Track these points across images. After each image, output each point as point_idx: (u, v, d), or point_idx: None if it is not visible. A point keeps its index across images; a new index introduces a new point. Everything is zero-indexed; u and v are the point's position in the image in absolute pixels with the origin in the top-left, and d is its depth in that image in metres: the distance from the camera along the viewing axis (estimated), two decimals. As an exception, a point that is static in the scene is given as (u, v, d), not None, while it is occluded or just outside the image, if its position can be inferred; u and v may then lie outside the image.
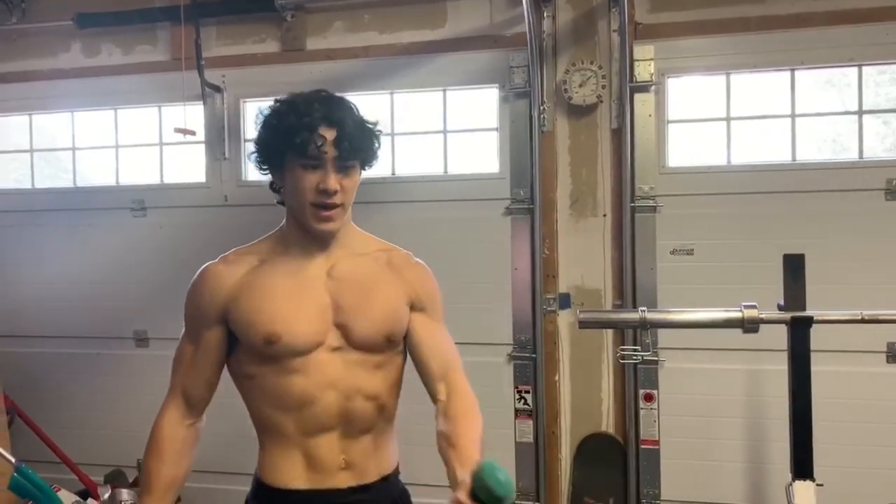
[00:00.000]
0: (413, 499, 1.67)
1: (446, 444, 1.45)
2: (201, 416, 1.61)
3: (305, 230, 1.50)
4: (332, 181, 1.43)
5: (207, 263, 1.56)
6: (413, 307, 1.58)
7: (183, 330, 1.58)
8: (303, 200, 1.45)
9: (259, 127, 1.51)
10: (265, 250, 1.55)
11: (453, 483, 1.34)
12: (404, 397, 1.63)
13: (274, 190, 1.55)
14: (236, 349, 1.53)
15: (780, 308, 2.36)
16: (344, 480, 1.50)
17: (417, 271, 1.62)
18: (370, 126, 1.51)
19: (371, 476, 1.54)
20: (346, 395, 1.49)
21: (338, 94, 1.50)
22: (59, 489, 3.27)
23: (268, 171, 1.53)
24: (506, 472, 1.20)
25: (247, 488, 1.61)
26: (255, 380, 1.51)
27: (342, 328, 1.49)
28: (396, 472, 1.62)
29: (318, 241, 1.52)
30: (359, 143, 1.45)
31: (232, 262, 1.54)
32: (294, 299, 1.48)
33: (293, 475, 1.50)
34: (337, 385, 1.48)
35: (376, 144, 1.52)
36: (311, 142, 1.41)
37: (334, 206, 1.45)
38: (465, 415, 1.51)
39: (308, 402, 1.47)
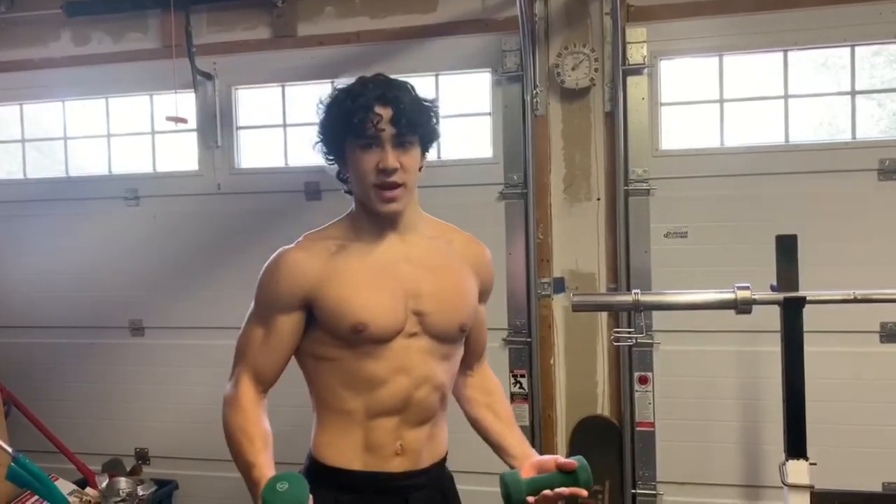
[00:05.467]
0: (462, 485, 1.70)
1: (491, 413, 1.68)
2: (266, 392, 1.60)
3: (374, 215, 1.50)
4: (391, 159, 1.43)
5: (284, 248, 1.53)
6: (479, 297, 1.65)
7: (251, 311, 1.55)
8: (365, 183, 1.46)
9: (320, 115, 1.51)
10: (339, 235, 1.54)
11: (506, 449, 1.63)
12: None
13: (341, 180, 1.56)
14: (313, 332, 1.52)
15: (772, 289, 2.36)
16: (398, 465, 1.52)
17: (484, 259, 1.67)
18: (427, 104, 1.50)
19: (424, 462, 1.55)
20: (415, 383, 1.50)
21: (394, 77, 1.50)
22: (57, 478, 3.30)
23: (334, 161, 1.53)
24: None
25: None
26: (331, 362, 1.51)
27: (419, 316, 1.51)
28: (445, 458, 1.64)
29: (389, 225, 1.52)
30: (416, 118, 1.44)
31: (309, 249, 1.52)
32: (377, 287, 1.49)
33: (350, 455, 1.51)
34: (409, 371, 1.50)
35: (434, 121, 1.51)
36: (367, 121, 1.41)
37: (396, 186, 1.45)
38: (501, 392, 1.76)
39: (377, 385, 1.49)
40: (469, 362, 1.71)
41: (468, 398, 1.72)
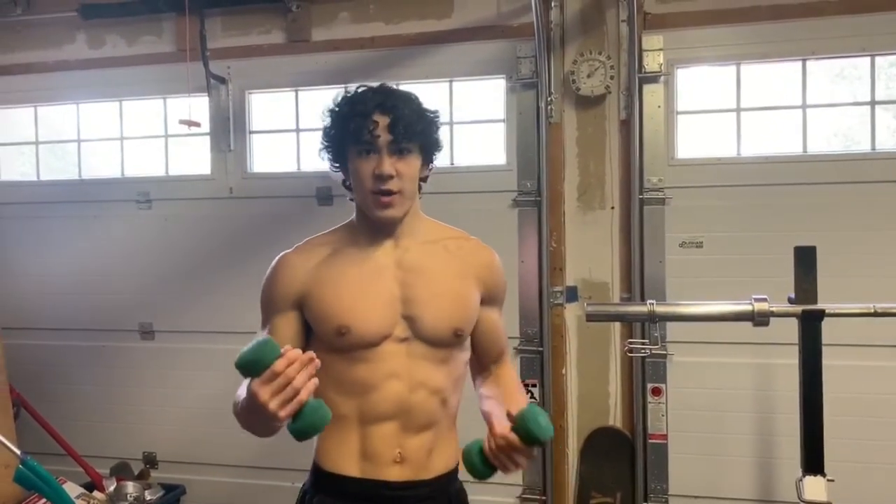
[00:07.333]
0: (469, 496, 1.66)
1: (497, 401, 1.57)
2: None
3: (372, 221, 1.52)
4: (386, 165, 1.43)
5: (282, 252, 1.56)
6: (483, 301, 1.61)
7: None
8: (363, 190, 1.47)
9: (324, 122, 1.53)
10: (336, 240, 1.57)
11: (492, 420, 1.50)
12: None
13: (346, 187, 1.56)
14: (310, 337, 1.54)
15: (790, 301, 2.33)
16: (398, 474, 1.50)
17: (490, 264, 1.64)
18: (429, 114, 1.51)
19: (427, 473, 1.53)
20: (409, 387, 1.49)
21: (408, 83, 1.52)
22: (65, 481, 3.29)
23: (339, 169, 1.54)
24: (546, 417, 1.34)
25: (287, 484, 1.60)
26: (323, 367, 1.48)
27: (410, 320, 1.50)
28: (455, 470, 1.61)
29: (385, 231, 1.53)
30: (414, 126, 1.45)
31: (305, 252, 1.55)
32: (364, 291, 1.49)
33: (347, 462, 1.50)
34: (400, 375, 1.49)
35: (435, 130, 1.52)
36: (364, 127, 1.42)
37: (392, 193, 1.45)
38: (518, 388, 1.69)
39: (370, 390, 1.48)
40: (485, 365, 1.70)
41: (482, 395, 1.68)
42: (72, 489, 3.33)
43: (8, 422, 3.37)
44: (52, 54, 3.93)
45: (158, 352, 3.82)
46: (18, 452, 2.30)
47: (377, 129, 1.43)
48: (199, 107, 3.58)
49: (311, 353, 1.22)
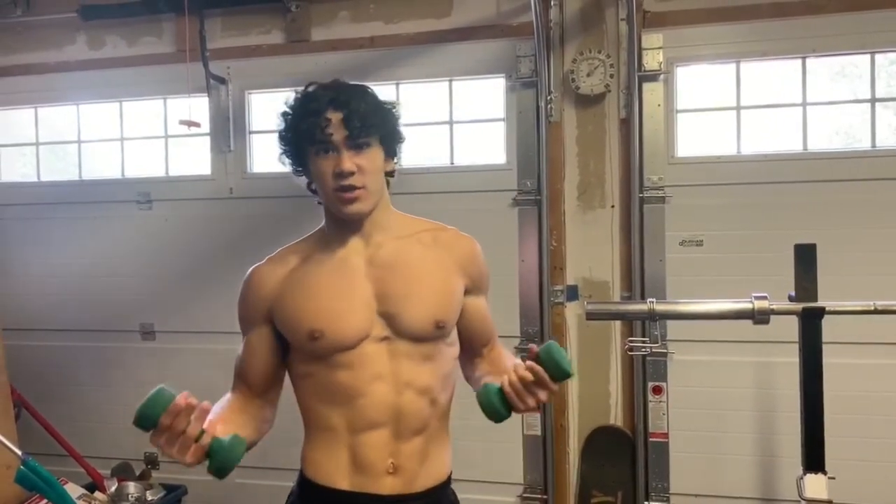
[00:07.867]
0: (470, 495, 1.63)
1: (494, 368, 1.60)
2: (270, 403, 1.55)
3: (340, 221, 1.48)
4: (346, 162, 1.39)
5: (254, 265, 1.53)
6: (468, 290, 1.57)
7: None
8: (327, 189, 1.43)
9: (279, 125, 1.49)
10: (307, 247, 1.53)
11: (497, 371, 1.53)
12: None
13: (312, 191, 1.53)
14: (289, 350, 1.50)
15: (791, 299, 2.33)
16: (390, 487, 1.44)
17: (471, 252, 1.58)
18: (385, 106, 1.46)
19: (420, 485, 1.47)
20: (395, 389, 1.44)
21: (354, 82, 1.47)
22: (66, 482, 3.29)
23: (301, 173, 1.51)
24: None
25: (289, 484, 1.58)
26: (306, 378, 1.48)
27: (387, 317, 1.45)
28: (448, 481, 1.56)
29: (354, 230, 1.49)
30: (370, 119, 1.41)
31: (276, 262, 1.52)
32: (336, 293, 1.45)
33: (337, 474, 1.45)
34: (385, 378, 1.43)
35: (393, 122, 1.47)
36: (317, 126, 1.39)
37: (354, 188, 1.41)
38: (508, 354, 1.69)
39: (355, 396, 1.43)
40: (477, 350, 1.66)
41: (479, 377, 1.61)
42: (73, 490, 3.34)
43: (9, 423, 3.37)
44: (52, 55, 3.94)
45: (159, 352, 3.82)
46: (20, 453, 2.30)
47: (330, 127, 1.39)
48: (199, 107, 3.58)
49: (196, 402, 1.26)
